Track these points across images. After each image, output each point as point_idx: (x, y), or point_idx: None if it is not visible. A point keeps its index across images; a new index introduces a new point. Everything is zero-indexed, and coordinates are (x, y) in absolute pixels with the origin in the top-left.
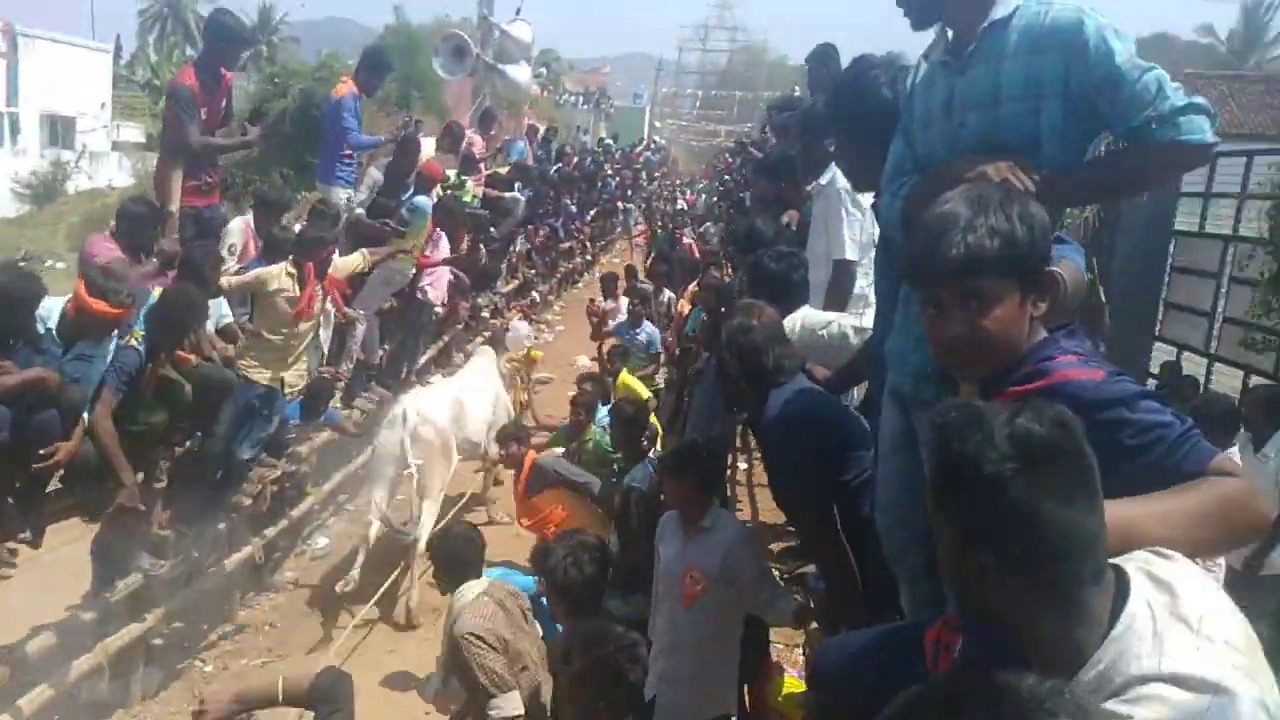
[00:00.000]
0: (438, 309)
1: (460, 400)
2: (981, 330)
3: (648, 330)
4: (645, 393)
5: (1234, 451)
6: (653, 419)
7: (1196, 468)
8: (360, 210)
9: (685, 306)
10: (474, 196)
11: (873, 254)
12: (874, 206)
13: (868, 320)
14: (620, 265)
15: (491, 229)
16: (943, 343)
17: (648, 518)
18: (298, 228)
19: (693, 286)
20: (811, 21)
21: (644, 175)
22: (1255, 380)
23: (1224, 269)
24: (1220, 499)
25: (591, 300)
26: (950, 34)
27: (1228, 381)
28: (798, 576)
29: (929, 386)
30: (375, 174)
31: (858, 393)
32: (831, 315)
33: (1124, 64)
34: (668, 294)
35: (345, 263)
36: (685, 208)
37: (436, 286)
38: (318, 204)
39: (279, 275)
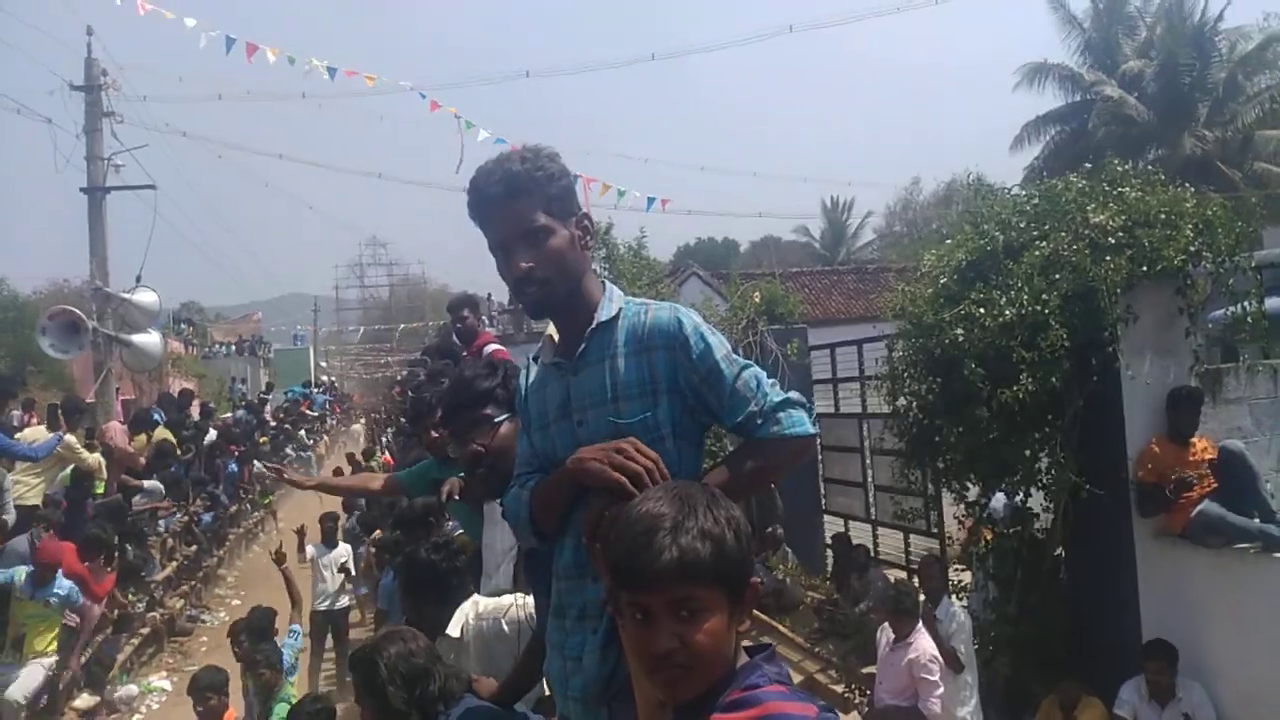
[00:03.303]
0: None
1: None
2: (693, 644)
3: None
4: None
5: (921, 628)
6: None
7: None
8: None
9: None
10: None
11: None
12: None
13: None
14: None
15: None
16: (651, 656)
17: None
18: None
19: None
20: (462, 251)
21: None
22: (914, 539)
23: (864, 443)
24: None
25: None
26: (557, 338)
27: (893, 543)
28: None
29: (598, 713)
30: None
31: None
32: (506, 598)
33: (723, 361)
34: None
35: None
36: None
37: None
38: None
39: None
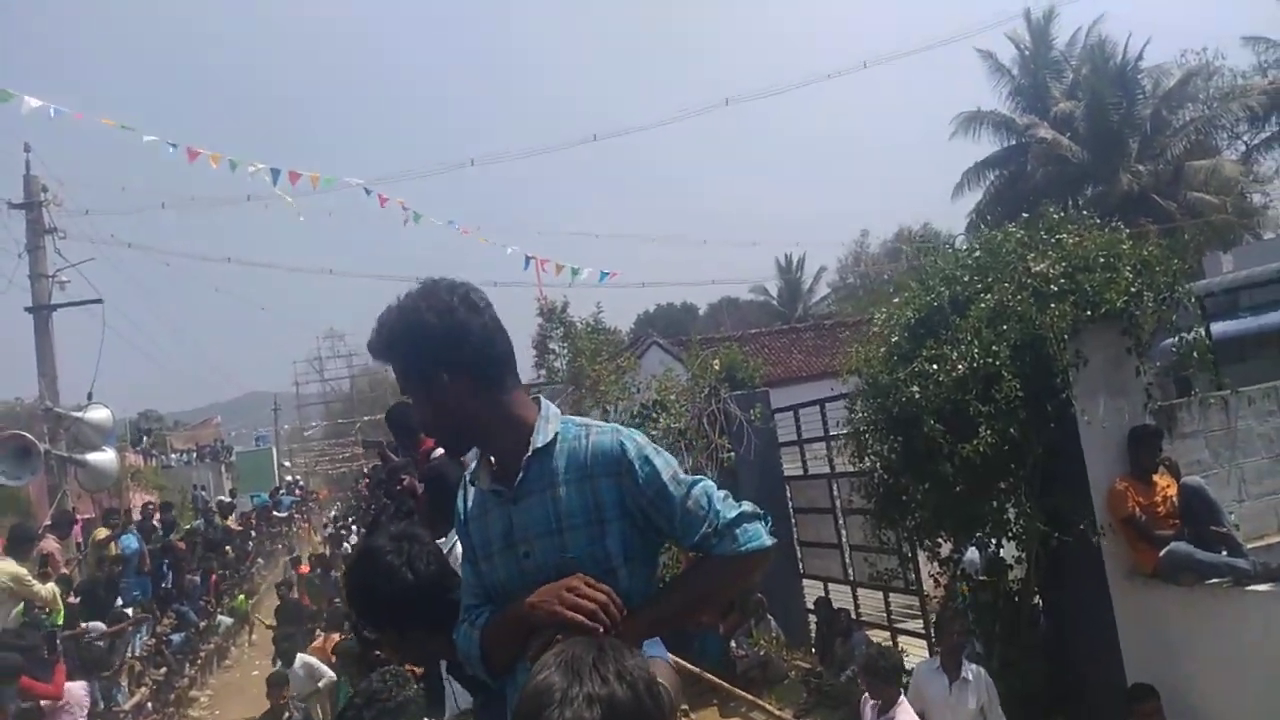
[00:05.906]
0: None
1: None
2: None
3: None
4: None
5: (904, 701)
6: None
7: None
8: None
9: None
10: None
11: None
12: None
13: None
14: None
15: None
16: None
17: None
18: None
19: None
20: None
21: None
22: (895, 598)
23: (835, 503)
24: None
25: None
26: (493, 461)
27: (874, 603)
28: None
29: None
30: None
31: None
32: None
33: (670, 482)
34: None
35: None
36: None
37: None
38: None
39: None
